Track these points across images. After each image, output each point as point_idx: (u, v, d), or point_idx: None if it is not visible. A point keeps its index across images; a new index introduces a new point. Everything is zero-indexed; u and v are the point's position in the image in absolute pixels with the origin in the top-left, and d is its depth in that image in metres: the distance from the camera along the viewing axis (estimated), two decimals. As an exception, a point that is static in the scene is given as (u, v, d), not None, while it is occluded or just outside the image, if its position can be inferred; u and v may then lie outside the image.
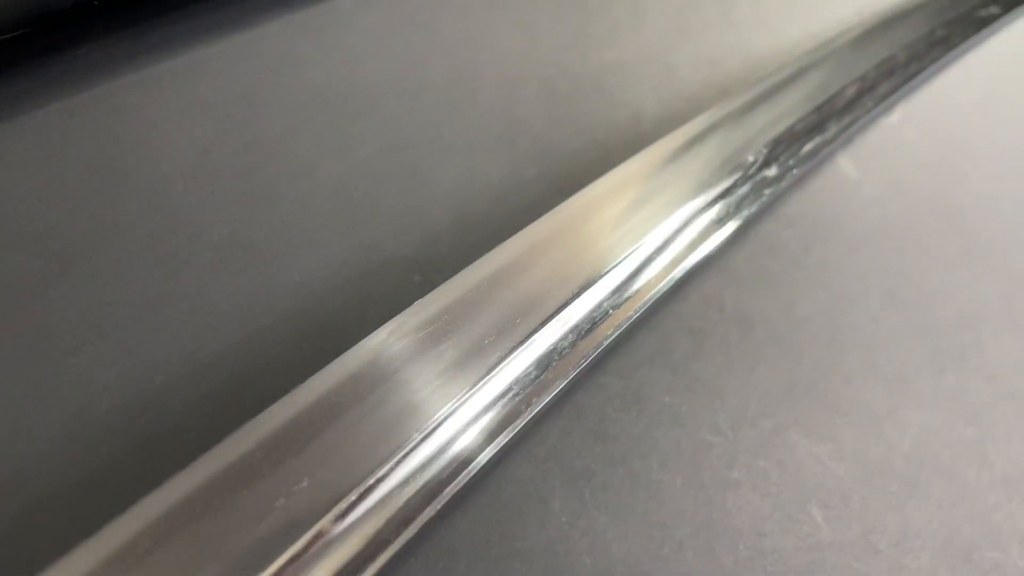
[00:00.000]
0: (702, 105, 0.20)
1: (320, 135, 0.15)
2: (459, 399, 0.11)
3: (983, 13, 0.28)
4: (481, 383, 0.12)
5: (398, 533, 0.10)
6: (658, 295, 0.15)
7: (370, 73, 0.17)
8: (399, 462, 0.10)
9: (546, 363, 0.12)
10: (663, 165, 0.17)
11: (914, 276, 0.20)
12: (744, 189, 0.18)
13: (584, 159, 0.17)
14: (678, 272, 0.16)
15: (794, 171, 0.18)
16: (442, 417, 0.11)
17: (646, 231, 0.16)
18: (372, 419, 0.10)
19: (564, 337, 0.13)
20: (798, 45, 0.23)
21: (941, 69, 0.26)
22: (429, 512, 0.10)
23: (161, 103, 0.15)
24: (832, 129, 0.20)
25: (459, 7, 0.19)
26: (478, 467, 0.11)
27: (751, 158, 0.18)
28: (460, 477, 0.11)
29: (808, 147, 0.19)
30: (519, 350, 0.12)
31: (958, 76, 0.27)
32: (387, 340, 0.11)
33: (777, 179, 0.18)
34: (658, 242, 0.16)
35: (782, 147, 0.19)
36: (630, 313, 0.15)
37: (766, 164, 0.18)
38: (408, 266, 0.14)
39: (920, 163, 0.23)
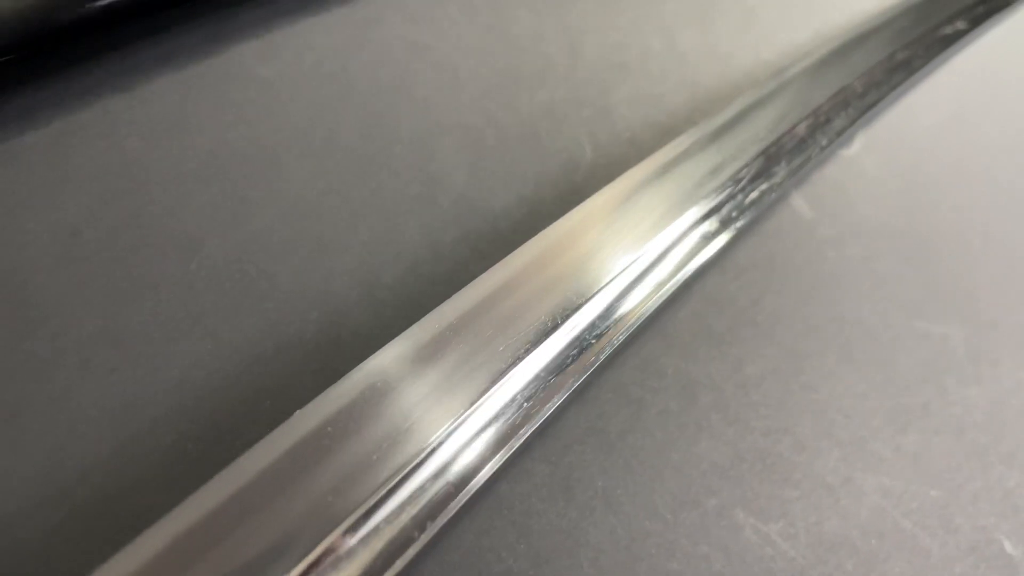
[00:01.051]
0: (643, 148, 0.20)
1: (210, 206, 0.15)
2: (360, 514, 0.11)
3: (948, 30, 0.29)
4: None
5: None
6: (596, 364, 0.15)
7: (269, 132, 0.17)
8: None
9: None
10: (597, 223, 0.17)
11: (873, 326, 0.20)
12: (687, 243, 0.18)
13: (511, 217, 0.17)
14: (618, 336, 0.16)
15: (738, 223, 0.18)
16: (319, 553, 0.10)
17: (583, 294, 0.16)
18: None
19: (483, 429, 0.13)
20: (748, 76, 0.23)
21: (903, 94, 0.26)
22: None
23: (27, 179, 0.14)
24: (781, 172, 0.20)
25: (373, 53, 0.18)
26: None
27: (694, 209, 0.18)
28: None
29: (754, 194, 0.19)
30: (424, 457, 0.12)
31: (921, 100, 0.27)
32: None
33: (722, 230, 0.18)
34: (598, 307, 0.16)
35: (727, 196, 0.19)
36: (561, 392, 0.14)
37: (710, 215, 0.18)
38: (309, 350, 0.14)
39: (880, 197, 0.23)
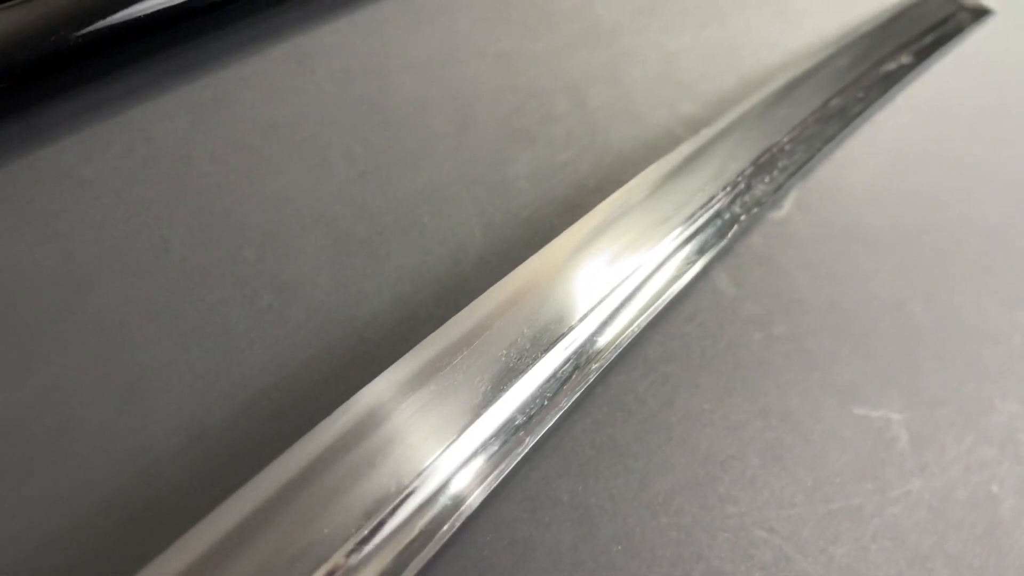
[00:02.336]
0: (543, 227, 0.20)
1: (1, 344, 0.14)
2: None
3: (891, 66, 0.30)
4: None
5: None
6: (477, 502, 0.14)
7: (84, 247, 0.16)
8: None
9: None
10: (491, 331, 0.16)
11: (803, 418, 0.20)
12: (588, 343, 0.17)
13: (382, 324, 0.16)
14: (504, 465, 0.15)
15: (649, 312, 0.18)
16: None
17: (457, 431, 0.15)
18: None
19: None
20: (664, 136, 0.23)
21: (841, 142, 0.27)
22: None
23: None
24: (698, 249, 0.20)
25: (221, 138, 0.18)
26: None
27: (599, 301, 0.18)
28: None
29: (666, 278, 0.19)
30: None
31: (860, 147, 0.27)
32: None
33: (629, 325, 0.18)
34: (484, 432, 0.15)
35: (636, 284, 0.18)
36: (445, 528, 0.14)
37: (619, 309, 0.18)
38: (117, 522, 0.13)
39: (814, 264, 0.23)
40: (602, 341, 0.17)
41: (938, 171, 0.28)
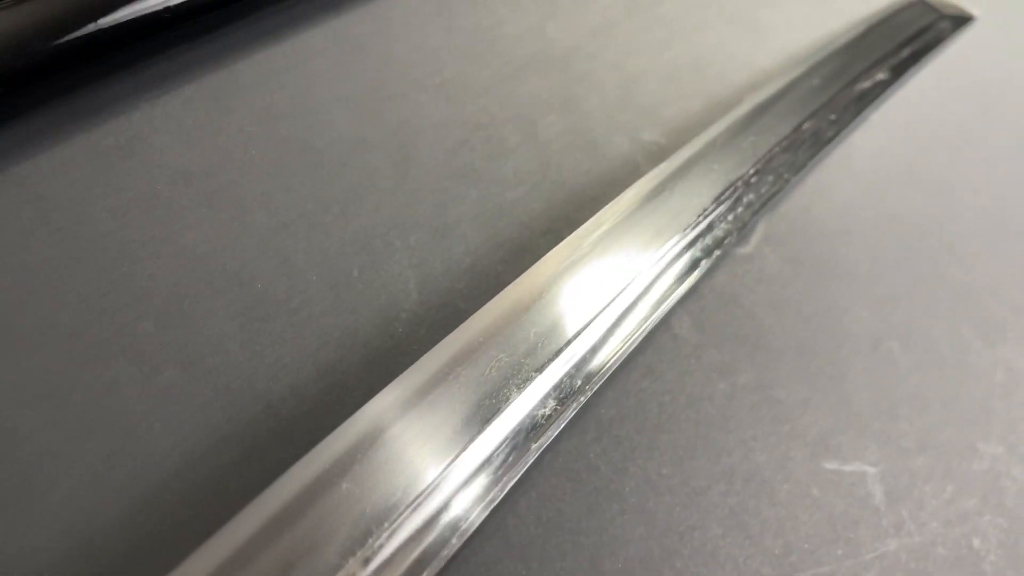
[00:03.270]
0: (487, 276, 0.19)
1: None
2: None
3: (866, 84, 0.30)
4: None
5: None
6: None
7: None
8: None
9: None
10: (413, 416, 0.15)
11: (770, 477, 0.20)
12: (533, 413, 0.17)
13: (302, 399, 0.16)
14: (445, 552, 0.14)
15: (603, 372, 0.17)
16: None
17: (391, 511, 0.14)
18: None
19: None
20: (623, 168, 0.22)
21: (812, 168, 0.26)
22: None
23: None
24: (657, 297, 0.19)
25: (124, 192, 0.17)
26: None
27: (548, 360, 0.17)
28: None
29: (624, 332, 0.18)
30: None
31: (833, 173, 0.27)
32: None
33: (580, 391, 0.17)
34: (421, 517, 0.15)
35: (592, 344, 0.18)
36: None
37: (571, 373, 0.17)
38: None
39: (782, 303, 0.23)
40: (550, 408, 0.17)
41: (917, 195, 0.28)
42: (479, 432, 0.16)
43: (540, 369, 0.17)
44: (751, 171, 0.23)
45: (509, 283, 0.18)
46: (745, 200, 0.22)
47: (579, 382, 0.18)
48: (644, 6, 0.28)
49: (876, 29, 0.33)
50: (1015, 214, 0.30)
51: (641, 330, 0.20)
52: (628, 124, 0.24)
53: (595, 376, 0.17)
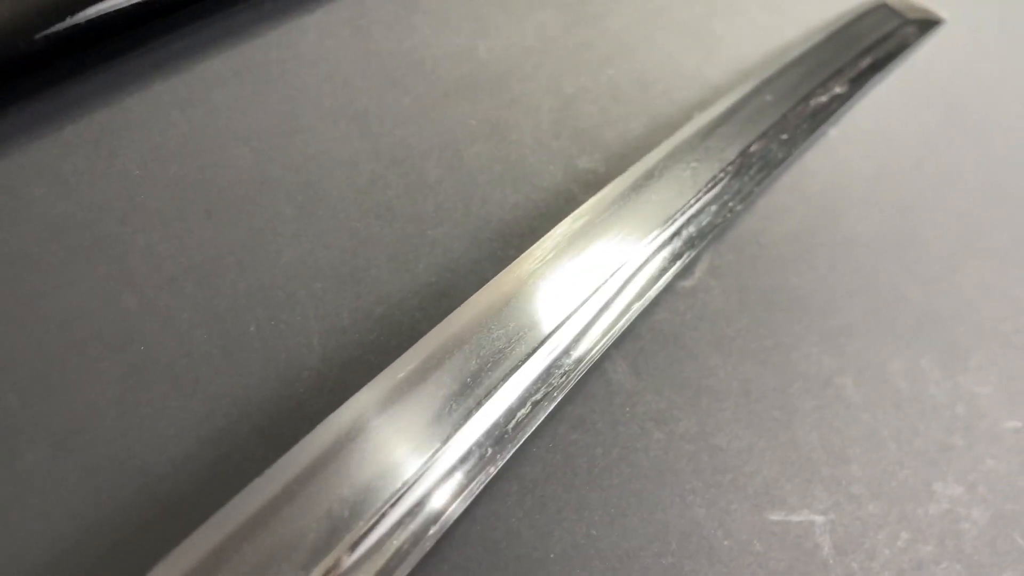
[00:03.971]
0: (400, 327, 0.19)
1: None
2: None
3: (822, 99, 0.29)
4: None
5: None
6: None
7: None
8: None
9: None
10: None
11: (711, 532, 0.20)
12: (446, 478, 0.16)
13: (187, 475, 0.15)
14: None
15: (525, 430, 0.17)
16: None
17: None
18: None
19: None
20: (557, 199, 0.22)
21: (762, 193, 0.26)
22: None
23: None
24: (589, 343, 0.19)
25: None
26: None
27: (461, 424, 0.17)
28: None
29: (555, 382, 0.18)
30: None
31: (784, 195, 0.27)
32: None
33: (499, 451, 0.17)
34: None
35: (509, 401, 0.17)
36: None
37: (490, 435, 0.17)
38: None
39: (726, 341, 0.22)
40: (463, 472, 0.16)
41: (875, 215, 0.28)
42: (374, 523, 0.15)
43: (458, 428, 0.17)
44: (692, 202, 0.23)
45: (426, 332, 0.17)
46: (685, 234, 0.22)
47: (489, 451, 0.17)
48: (586, 20, 0.27)
49: (835, 38, 0.33)
50: (980, 231, 0.30)
51: (571, 378, 0.19)
52: (563, 151, 0.24)
53: (513, 439, 0.17)
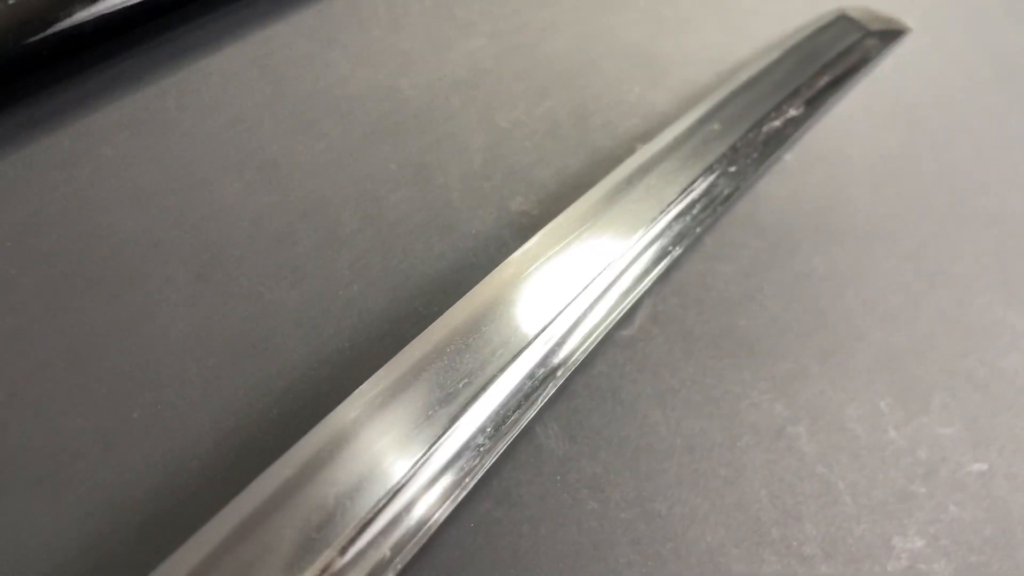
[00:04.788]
0: (304, 406, 0.18)
1: None
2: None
3: (776, 123, 0.29)
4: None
5: None
6: None
7: None
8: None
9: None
10: None
11: None
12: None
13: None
14: None
15: (433, 519, 0.16)
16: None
17: None
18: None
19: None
20: (485, 248, 0.22)
21: (708, 230, 0.26)
22: None
23: None
24: (517, 407, 0.19)
25: None
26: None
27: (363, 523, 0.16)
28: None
29: (467, 466, 0.17)
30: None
31: (734, 229, 0.27)
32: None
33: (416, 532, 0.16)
34: None
35: (425, 480, 0.17)
36: None
37: (394, 522, 0.16)
38: None
39: (670, 393, 0.22)
40: (372, 561, 0.16)
41: (832, 247, 0.28)
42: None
43: (375, 514, 0.16)
44: (631, 246, 0.23)
45: (335, 405, 0.17)
46: (623, 283, 0.22)
47: (415, 522, 0.16)
48: (521, 47, 0.27)
49: (791, 55, 0.33)
50: (943, 257, 0.30)
51: (498, 448, 0.18)
52: (495, 192, 0.23)
53: (425, 525, 0.16)
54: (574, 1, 0.31)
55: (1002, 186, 0.35)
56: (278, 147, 0.22)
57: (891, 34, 0.39)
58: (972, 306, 0.30)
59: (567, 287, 0.21)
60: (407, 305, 0.21)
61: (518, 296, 0.21)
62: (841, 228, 0.29)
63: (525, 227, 0.23)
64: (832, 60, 0.34)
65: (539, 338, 0.20)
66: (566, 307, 0.21)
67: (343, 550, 0.16)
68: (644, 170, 0.25)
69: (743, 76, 0.31)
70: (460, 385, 0.17)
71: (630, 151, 0.26)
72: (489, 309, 0.21)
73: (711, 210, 0.26)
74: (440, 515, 0.17)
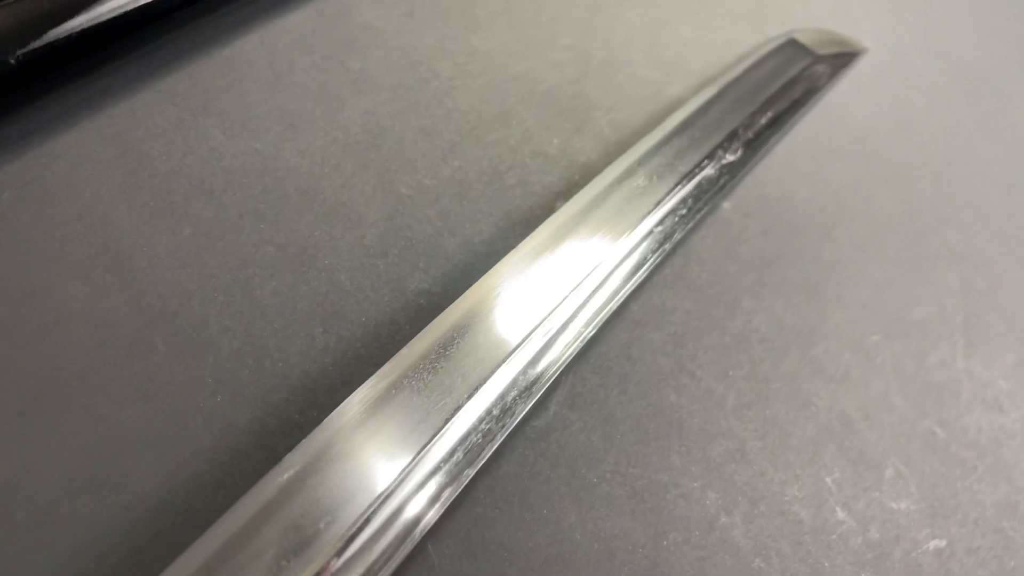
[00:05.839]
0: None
1: None
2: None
3: (710, 171, 0.29)
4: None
5: None
6: None
7: None
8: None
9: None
10: None
11: None
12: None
13: None
14: None
15: None
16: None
17: None
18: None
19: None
20: (377, 336, 0.21)
21: (639, 290, 0.25)
22: None
23: None
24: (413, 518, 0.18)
25: None
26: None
27: None
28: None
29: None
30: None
31: (663, 293, 0.27)
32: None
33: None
34: None
35: None
36: None
37: None
38: None
39: (586, 490, 0.21)
40: None
41: (776, 303, 0.28)
42: None
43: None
44: (541, 326, 0.22)
45: (191, 540, 0.16)
46: (533, 371, 0.21)
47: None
48: (426, 101, 0.26)
49: (730, 91, 0.32)
50: (897, 307, 0.29)
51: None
52: (391, 271, 0.23)
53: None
54: (489, 43, 0.31)
55: (966, 217, 0.34)
56: (135, 238, 0.21)
57: (844, 57, 0.39)
58: (931, 358, 0.29)
59: (470, 380, 0.20)
60: (280, 412, 0.20)
61: (408, 395, 0.20)
62: (785, 280, 0.29)
63: (424, 308, 0.22)
64: (775, 94, 0.34)
65: (440, 440, 0.19)
66: (467, 399, 0.20)
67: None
68: (561, 233, 0.24)
69: (674, 120, 0.30)
70: (321, 525, 0.16)
71: (549, 211, 0.26)
72: (376, 409, 0.20)
73: (629, 279, 0.25)
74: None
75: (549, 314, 0.23)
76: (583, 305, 0.24)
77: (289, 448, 0.18)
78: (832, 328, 0.29)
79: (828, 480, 0.25)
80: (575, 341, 0.23)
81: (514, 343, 0.22)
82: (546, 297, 0.23)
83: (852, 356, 0.28)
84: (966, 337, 0.30)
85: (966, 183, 0.36)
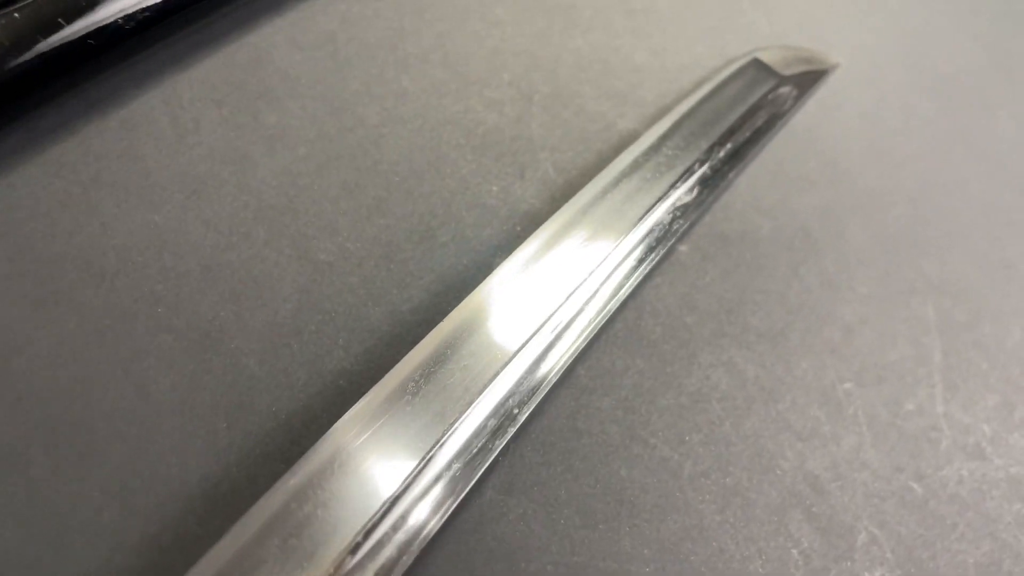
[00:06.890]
0: None
1: None
2: None
3: (662, 216, 0.27)
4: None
5: None
6: None
7: None
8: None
9: None
10: None
11: None
12: None
13: None
14: None
15: None
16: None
17: None
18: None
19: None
20: (303, 415, 0.19)
21: (581, 359, 0.24)
22: None
23: None
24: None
25: None
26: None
27: None
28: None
29: None
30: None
31: (613, 354, 0.26)
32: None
33: None
34: None
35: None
36: None
37: None
38: None
39: (548, 554, 0.20)
40: None
41: (735, 355, 0.28)
42: None
43: None
44: (474, 403, 0.21)
45: None
46: (468, 454, 0.20)
47: None
48: (350, 152, 0.26)
49: (685, 124, 0.32)
50: (870, 349, 0.29)
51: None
52: (304, 351, 0.22)
53: None
54: (420, 83, 0.30)
55: (943, 243, 0.34)
56: (13, 335, 0.20)
57: (812, 75, 0.38)
58: (907, 405, 0.29)
59: (392, 469, 0.20)
60: (177, 526, 0.19)
61: (346, 479, 0.19)
62: (748, 327, 0.28)
63: (345, 391, 0.22)
64: (735, 123, 0.33)
65: (368, 538, 0.19)
66: (390, 504, 0.19)
67: None
68: (497, 294, 0.24)
69: (623, 161, 0.29)
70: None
71: (488, 269, 0.25)
72: (287, 511, 0.19)
73: (573, 342, 0.24)
74: None
75: (486, 387, 0.22)
76: (524, 377, 0.23)
77: (188, 565, 0.17)
78: (799, 378, 0.28)
79: (795, 552, 0.24)
80: (519, 416, 0.22)
81: (437, 437, 0.21)
82: (485, 366, 0.22)
83: (821, 409, 0.27)
84: (945, 378, 0.30)
85: (943, 204, 0.35)
